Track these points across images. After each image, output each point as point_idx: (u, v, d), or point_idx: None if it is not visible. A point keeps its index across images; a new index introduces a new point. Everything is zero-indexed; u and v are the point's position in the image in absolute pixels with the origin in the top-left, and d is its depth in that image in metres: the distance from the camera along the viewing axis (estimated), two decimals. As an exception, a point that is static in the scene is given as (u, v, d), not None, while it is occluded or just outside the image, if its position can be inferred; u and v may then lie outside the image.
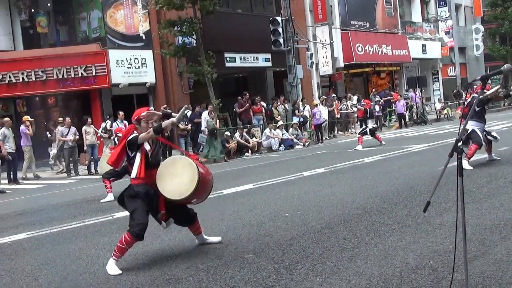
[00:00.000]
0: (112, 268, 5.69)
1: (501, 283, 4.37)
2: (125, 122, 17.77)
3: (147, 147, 5.86)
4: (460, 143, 3.69)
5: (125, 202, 5.96)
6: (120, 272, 5.63)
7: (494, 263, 4.87)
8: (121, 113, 18.86)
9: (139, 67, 22.88)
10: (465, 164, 10.30)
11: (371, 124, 18.66)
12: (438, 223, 6.49)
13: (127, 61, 22.54)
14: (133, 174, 5.83)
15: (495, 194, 8.00)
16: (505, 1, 43.33)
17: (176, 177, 5.82)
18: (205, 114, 20.29)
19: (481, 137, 10.54)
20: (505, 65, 3.87)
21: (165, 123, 5.81)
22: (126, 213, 9.17)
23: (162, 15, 22.91)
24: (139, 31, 23.03)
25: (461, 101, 26.93)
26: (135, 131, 5.87)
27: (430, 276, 4.68)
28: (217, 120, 20.76)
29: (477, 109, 10.30)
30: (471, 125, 10.43)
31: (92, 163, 18.74)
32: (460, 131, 3.90)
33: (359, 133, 18.78)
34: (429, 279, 4.61)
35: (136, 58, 22.85)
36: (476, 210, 6.96)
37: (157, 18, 23.39)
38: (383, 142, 18.32)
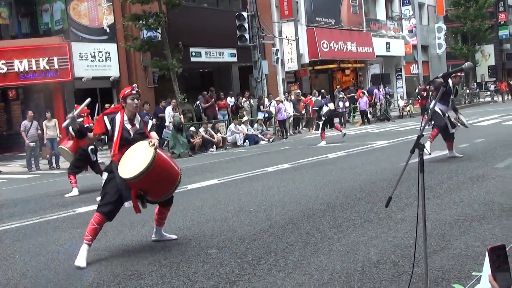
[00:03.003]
0: (81, 258, 5.60)
1: (460, 277, 4.45)
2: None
3: (127, 125, 5.98)
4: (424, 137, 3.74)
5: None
6: (85, 266, 5.56)
7: (453, 257, 4.96)
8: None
9: (103, 61, 22.59)
10: (427, 145, 10.87)
11: (323, 115, 18.46)
12: (399, 218, 6.58)
13: (91, 54, 22.24)
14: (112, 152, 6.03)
15: (455, 189, 8.15)
16: (467, 1, 44.25)
17: (134, 158, 5.77)
18: (169, 109, 20.16)
19: (443, 119, 11.00)
20: (466, 63, 3.96)
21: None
22: (88, 208, 9.13)
23: (127, 9, 22.66)
24: (103, 24, 22.76)
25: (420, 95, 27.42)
26: (120, 112, 6.04)
27: (391, 270, 4.74)
28: (182, 115, 20.66)
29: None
30: (438, 106, 10.87)
31: (53, 157, 18.44)
32: (422, 126, 3.96)
33: (319, 130, 18.90)
34: (390, 273, 4.67)
35: (100, 52, 22.55)
36: (436, 206, 7.08)
37: (121, 11, 23.12)
38: (324, 143, 18.09)
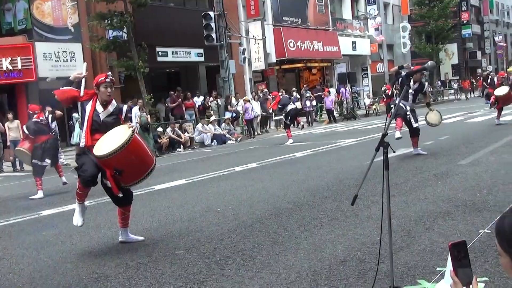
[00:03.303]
0: (76, 216, 6.12)
1: (424, 273, 4.52)
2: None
3: (99, 108, 6.04)
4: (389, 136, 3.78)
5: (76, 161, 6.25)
6: (82, 223, 6.13)
7: (418, 253, 5.04)
8: (48, 108, 18.23)
9: (67, 61, 22.25)
10: (397, 134, 11.38)
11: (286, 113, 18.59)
12: (366, 215, 6.64)
13: (55, 54, 21.90)
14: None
15: (420, 186, 8.26)
16: (431, 1, 44.95)
17: (111, 139, 5.82)
18: (135, 109, 19.99)
19: (403, 108, 11.53)
20: (429, 62, 4.03)
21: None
22: (53, 211, 9.00)
23: (92, 8, 22.38)
24: (67, 23, 22.42)
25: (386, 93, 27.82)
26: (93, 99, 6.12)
27: (358, 267, 4.79)
28: (149, 115, 20.51)
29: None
30: (403, 103, 11.44)
31: (17, 159, 18.10)
32: (387, 125, 4.00)
33: (284, 128, 19.04)
34: (357, 270, 4.72)
35: (65, 52, 22.21)
36: (402, 203, 7.17)
37: (86, 11, 22.82)
38: (291, 141, 18.17)
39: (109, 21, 21.36)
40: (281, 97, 19.92)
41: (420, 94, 12.08)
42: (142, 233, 6.71)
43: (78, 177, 5.96)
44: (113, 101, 6.16)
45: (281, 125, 19.28)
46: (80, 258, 5.91)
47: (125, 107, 6.33)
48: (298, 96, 28.34)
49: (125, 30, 21.43)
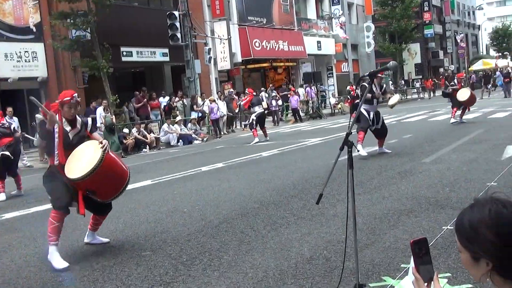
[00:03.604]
0: (57, 261, 5.50)
1: (389, 269, 4.59)
2: (15, 118, 16.89)
3: (66, 127, 5.84)
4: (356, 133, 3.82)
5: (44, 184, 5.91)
6: (68, 264, 5.47)
7: (383, 250, 5.11)
8: (9, 109, 17.89)
9: (29, 61, 21.86)
10: (360, 148, 11.23)
11: (255, 114, 18.69)
12: (331, 214, 6.70)
13: (17, 54, 21.47)
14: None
15: (384, 184, 8.38)
16: (394, 1, 45.58)
17: (82, 159, 5.68)
18: (100, 110, 19.79)
19: (367, 119, 11.47)
20: (391, 62, 4.09)
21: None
22: (16, 214, 8.84)
23: (54, 7, 22.02)
24: (29, 23, 22.01)
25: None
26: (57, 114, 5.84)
27: (324, 265, 4.83)
28: (114, 116, 20.30)
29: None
30: (362, 107, 11.27)
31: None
32: (351, 124, 4.05)
33: (249, 128, 19.05)
34: (323, 268, 4.76)
35: (27, 51, 21.80)
36: (367, 201, 7.26)
37: (48, 10, 22.45)
38: (256, 140, 18.32)
39: (72, 21, 21.04)
40: (254, 95, 19.91)
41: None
42: (108, 235, 6.65)
43: (53, 210, 5.67)
44: (77, 117, 5.98)
45: (247, 125, 19.29)
46: (44, 262, 5.81)
47: (89, 120, 6.16)
48: (267, 96, 28.45)
49: (88, 29, 21.14)
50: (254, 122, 18.56)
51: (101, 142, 5.75)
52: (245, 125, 18.72)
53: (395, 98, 13.17)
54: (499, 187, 7.43)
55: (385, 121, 12.39)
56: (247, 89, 24.27)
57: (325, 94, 37.64)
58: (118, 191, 5.95)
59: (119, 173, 5.93)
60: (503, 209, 1.63)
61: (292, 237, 5.86)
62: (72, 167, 5.63)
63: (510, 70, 39.48)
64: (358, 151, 11.01)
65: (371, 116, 11.62)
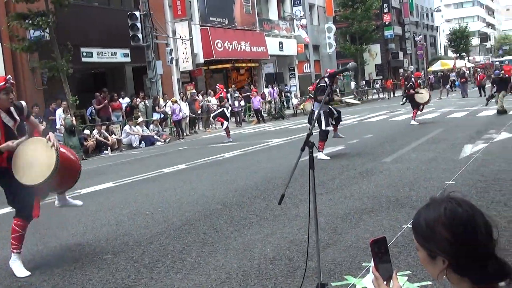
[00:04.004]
0: (19, 269, 5.33)
1: (351, 268, 4.64)
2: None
3: (8, 122, 5.42)
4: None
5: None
6: (29, 273, 5.28)
7: (344, 249, 5.16)
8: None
9: (-14, 62, 21.38)
10: (321, 155, 11.26)
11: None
12: (294, 214, 6.74)
13: (-27, 55, 20.98)
14: None
15: (346, 184, 8.47)
16: (355, 2, 46.15)
17: (34, 161, 5.34)
18: (59, 112, 19.48)
19: (327, 126, 11.52)
20: (350, 63, 4.16)
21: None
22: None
23: (12, 7, 21.56)
24: (-15, 23, 21.49)
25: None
26: None
27: (287, 265, 4.86)
28: (74, 117, 19.99)
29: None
30: (321, 108, 11.20)
31: None
32: (311, 125, 4.08)
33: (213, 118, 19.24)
34: (286, 268, 4.79)
35: (-17, 52, 21.32)
36: (329, 201, 7.32)
37: (5, 10, 21.97)
38: (230, 139, 18.48)
39: (30, 21, 20.64)
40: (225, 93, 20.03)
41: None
42: (68, 238, 6.56)
43: (18, 218, 5.39)
44: (11, 108, 5.51)
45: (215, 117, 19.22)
46: (3, 267, 5.69)
47: (23, 104, 5.69)
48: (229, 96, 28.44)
49: (47, 30, 20.77)
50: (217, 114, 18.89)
51: (49, 139, 5.37)
52: (213, 117, 19.16)
53: (352, 100, 13.27)
54: (457, 185, 7.59)
55: (347, 121, 12.54)
56: (218, 84, 24.21)
57: (289, 95, 37.84)
58: (71, 184, 5.91)
59: (73, 168, 5.80)
60: (458, 208, 1.67)
61: (255, 237, 5.87)
62: (24, 171, 5.31)
63: (466, 71, 40.40)
64: (320, 158, 11.08)
65: (329, 120, 11.75)
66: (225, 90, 20.75)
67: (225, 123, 18.64)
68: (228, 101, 19.64)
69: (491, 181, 7.71)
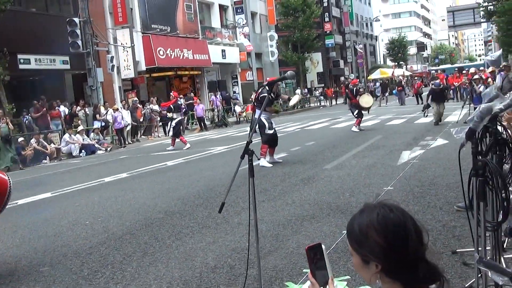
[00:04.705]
0: None
1: (292, 275, 4.68)
2: None
3: None
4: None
5: None
6: None
7: (286, 256, 5.20)
8: None
9: None
10: (264, 163, 11.41)
11: (175, 121, 18.78)
12: (236, 222, 6.75)
13: None
14: None
15: (288, 191, 8.53)
16: (296, 11, 46.78)
17: None
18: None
19: (268, 134, 11.61)
20: (288, 72, 4.22)
21: None
22: None
23: None
24: None
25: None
26: None
27: (228, 273, 4.85)
28: (10, 126, 19.40)
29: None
30: (262, 116, 11.45)
31: None
32: (251, 133, 4.10)
33: (176, 136, 18.86)
34: (227, 276, 4.78)
35: None
36: (270, 208, 7.36)
37: None
38: (188, 145, 18.37)
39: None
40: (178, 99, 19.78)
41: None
42: (3, 250, 6.35)
43: None
44: None
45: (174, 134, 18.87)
46: None
47: None
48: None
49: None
50: (179, 129, 18.68)
51: None
52: (172, 135, 18.71)
53: (295, 98, 13.42)
54: (395, 191, 7.77)
55: (289, 128, 12.65)
56: (172, 92, 23.95)
57: (237, 101, 37.86)
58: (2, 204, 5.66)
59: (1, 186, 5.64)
60: (390, 214, 1.71)
61: (197, 246, 5.84)
62: None
63: (402, 79, 41.51)
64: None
65: (273, 124, 11.86)
66: (180, 97, 20.53)
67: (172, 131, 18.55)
68: (180, 110, 19.37)
69: (427, 186, 7.94)
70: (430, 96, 18.83)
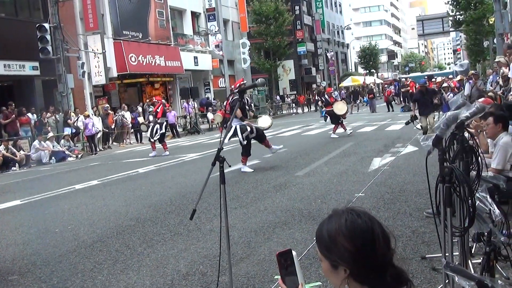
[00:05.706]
0: None
1: (263, 282, 4.69)
2: None
3: None
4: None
5: None
6: None
7: (258, 263, 5.22)
8: None
9: None
10: (245, 168, 11.61)
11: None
12: (208, 229, 6.74)
13: None
14: None
15: (260, 198, 8.56)
16: (268, 19, 47.04)
17: None
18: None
19: (244, 140, 11.62)
20: (259, 79, 4.28)
21: None
22: None
23: None
24: None
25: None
26: None
27: (200, 281, 4.85)
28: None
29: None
30: (234, 122, 11.54)
31: None
32: (222, 140, 4.12)
33: (159, 141, 18.62)
34: (199, 284, 4.78)
35: None
36: (243, 215, 7.37)
37: None
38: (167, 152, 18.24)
39: None
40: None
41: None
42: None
43: None
44: None
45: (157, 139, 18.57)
46: None
47: None
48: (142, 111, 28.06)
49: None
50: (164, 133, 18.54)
51: None
52: (155, 140, 18.25)
53: (267, 121, 13.01)
54: (366, 197, 7.85)
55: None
56: (154, 97, 23.69)
57: (215, 107, 37.73)
58: None
59: None
60: (358, 219, 1.74)
61: (169, 253, 5.82)
62: None
63: (373, 87, 41.95)
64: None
65: (249, 129, 11.83)
66: (163, 100, 20.39)
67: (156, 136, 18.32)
68: (164, 115, 19.20)
69: (398, 192, 8.04)
70: (416, 104, 14.82)
